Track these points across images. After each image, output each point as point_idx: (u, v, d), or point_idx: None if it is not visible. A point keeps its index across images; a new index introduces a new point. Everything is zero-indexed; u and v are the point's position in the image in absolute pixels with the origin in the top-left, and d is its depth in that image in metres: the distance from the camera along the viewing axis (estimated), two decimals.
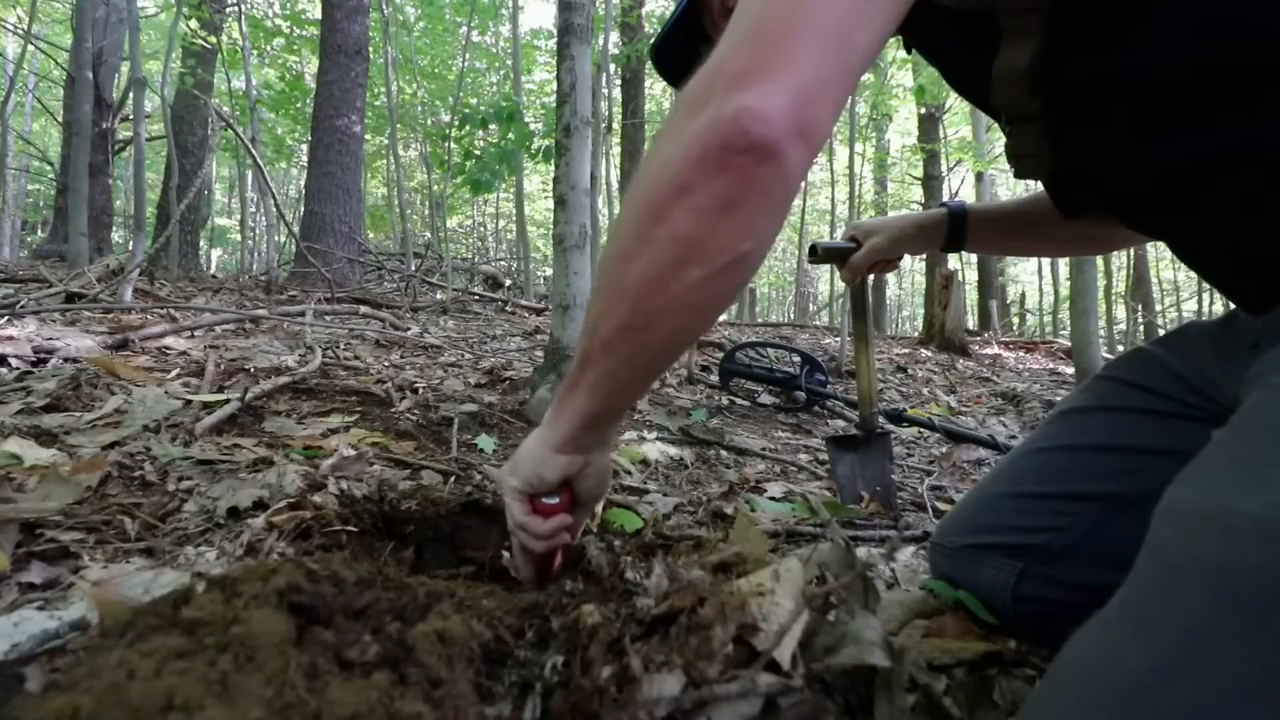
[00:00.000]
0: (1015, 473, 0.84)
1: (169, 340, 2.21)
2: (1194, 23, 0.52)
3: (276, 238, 8.25)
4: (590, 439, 0.66)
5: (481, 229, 16.62)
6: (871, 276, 1.26)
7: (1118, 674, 0.41)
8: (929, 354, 5.05)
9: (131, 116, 4.42)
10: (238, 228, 13.41)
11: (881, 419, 1.85)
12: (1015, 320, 12.20)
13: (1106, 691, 0.41)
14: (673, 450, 1.67)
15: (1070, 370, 4.38)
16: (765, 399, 2.65)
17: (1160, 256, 13.38)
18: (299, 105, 8.74)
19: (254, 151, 4.80)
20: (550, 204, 2.92)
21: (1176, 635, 0.40)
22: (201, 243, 9.01)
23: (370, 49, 6.55)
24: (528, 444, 0.68)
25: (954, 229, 1.02)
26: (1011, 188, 12.07)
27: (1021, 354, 5.81)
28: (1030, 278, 16.79)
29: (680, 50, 0.83)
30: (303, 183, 7.70)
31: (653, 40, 0.88)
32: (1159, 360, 0.77)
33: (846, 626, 0.49)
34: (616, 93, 8.61)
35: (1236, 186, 0.54)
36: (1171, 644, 0.40)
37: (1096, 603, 0.64)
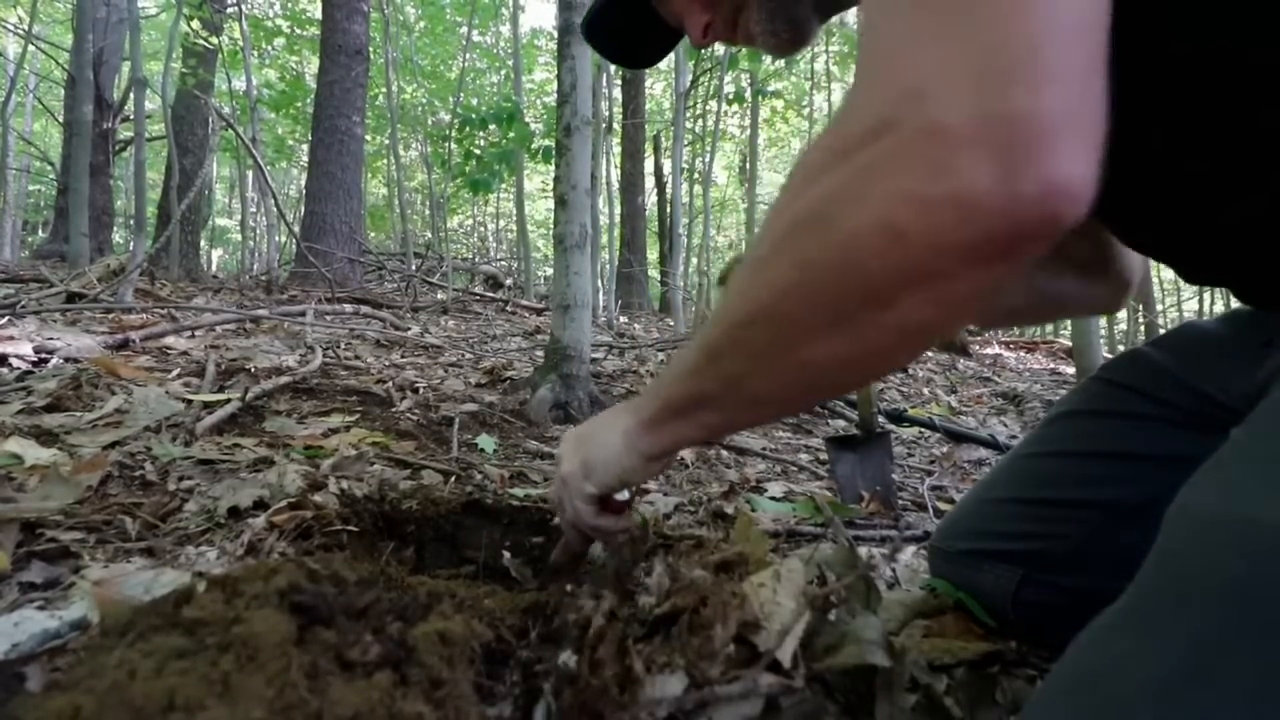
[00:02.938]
0: (1012, 478, 0.82)
1: (169, 340, 2.21)
2: None
3: (277, 238, 8.26)
4: None
5: (482, 229, 16.63)
6: None
7: (1123, 681, 0.40)
8: (929, 354, 5.05)
9: (132, 117, 4.42)
10: (238, 228, 13.42)
11: (881, 419, 1.85)
12: None
13: (1110, 698, 0.40)
14: None
15: (1071, 370, 4.38)
16: None
17: None
18: (299, 105, 8.75)
19: (254, 151, 4.80)
20: (550, 204, 2.91)
21: (1186, 647, 0.39)
22: (202, 243, 9.02)
23: (371, 49, 6.56)
24: (605, 447, 0.63)
25: None
26: None
27: (1022, 354, 5.82)
28: None
29: (619, 22, 0.78)
30: (303, 183, 7.71)
31: (586, 11, 0.81)
32: (1155, 363, 0.74)
33: (847, 626, 0.49)
34: (616, 93, 8.61)
35: None
36: (1181, 656, 0.39)
37: (1099, 608, 0.64)
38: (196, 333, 2.44)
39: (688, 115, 7.16)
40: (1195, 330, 0.75)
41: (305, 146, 8.90)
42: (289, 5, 10.46)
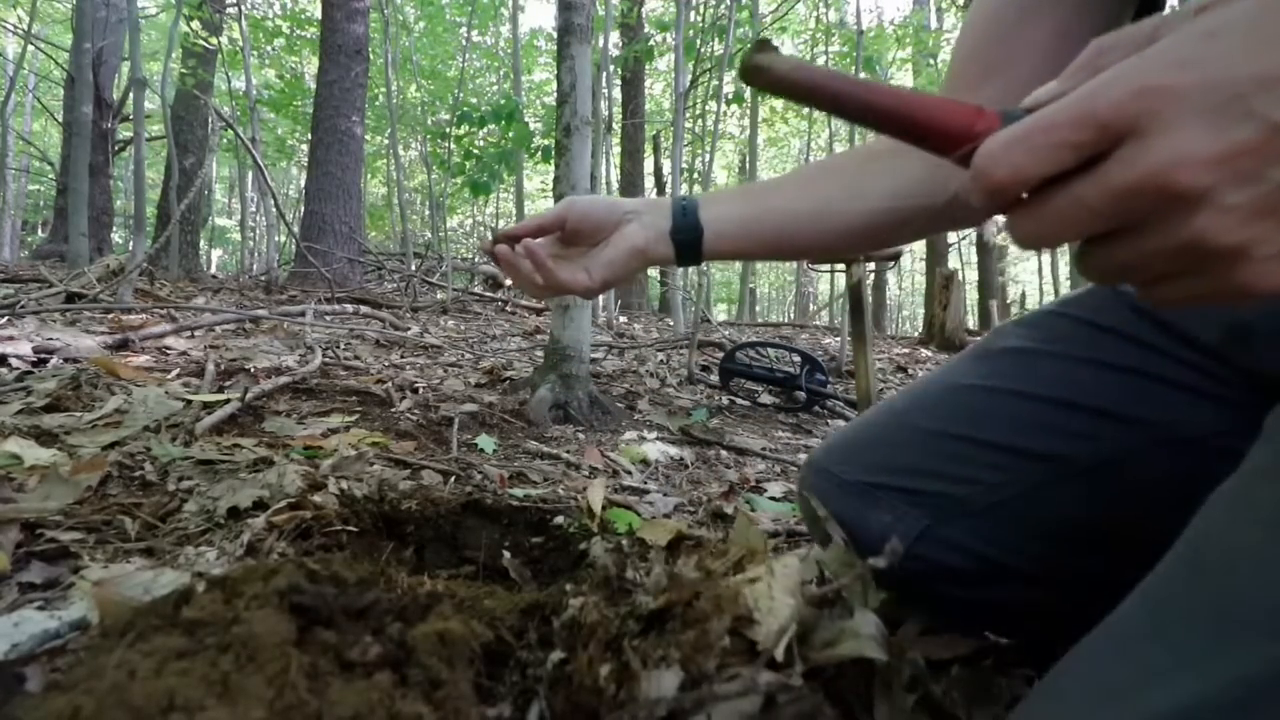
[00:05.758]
0: (939, 407, 0.67)
1: (169, 340, 2.21)
2: None
3: (276, 238, 8.25)
4: None
5: (482, 229, 16.63)
6: (871, 276, 1.26)
7: (1147, 704, 0.36)
8: (929, 354, 5.05)
9: (132, 117, 4.42)
10: (238, 228, 13.42)
11: None
12: None
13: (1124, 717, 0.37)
14: (673, 450, 1.67)
15: None
16: (765, 399, 2.65)
17: None
18: (299, 105, 8.76)
19: (254, 152, 4.80)
20: (550, 203, 2.91)
21: (1227, 680, 0.34)
22: (201, 243, 9.02)
23: (370, 49, 6.56)
24: None
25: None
26: None
27: None
28: (1030, 277, 16.82)
29: None
30: (303, 183, 7.71)
31: None
32: (1128, 302, 0.61)
33: (845, 622, 0.49)
34: (616, 93, 8.61)
35: None
36: (1221, 689, 0.34)
37: (991, 589, 0.60)
38: (196, 333, 2.44)
39: (687, 115, 7.16)
40: None
41: (305, 146, 8.90)
42: (289, 5, 10.46)
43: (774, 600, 0.45)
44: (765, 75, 0.39)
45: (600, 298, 6.53)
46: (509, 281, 0.68)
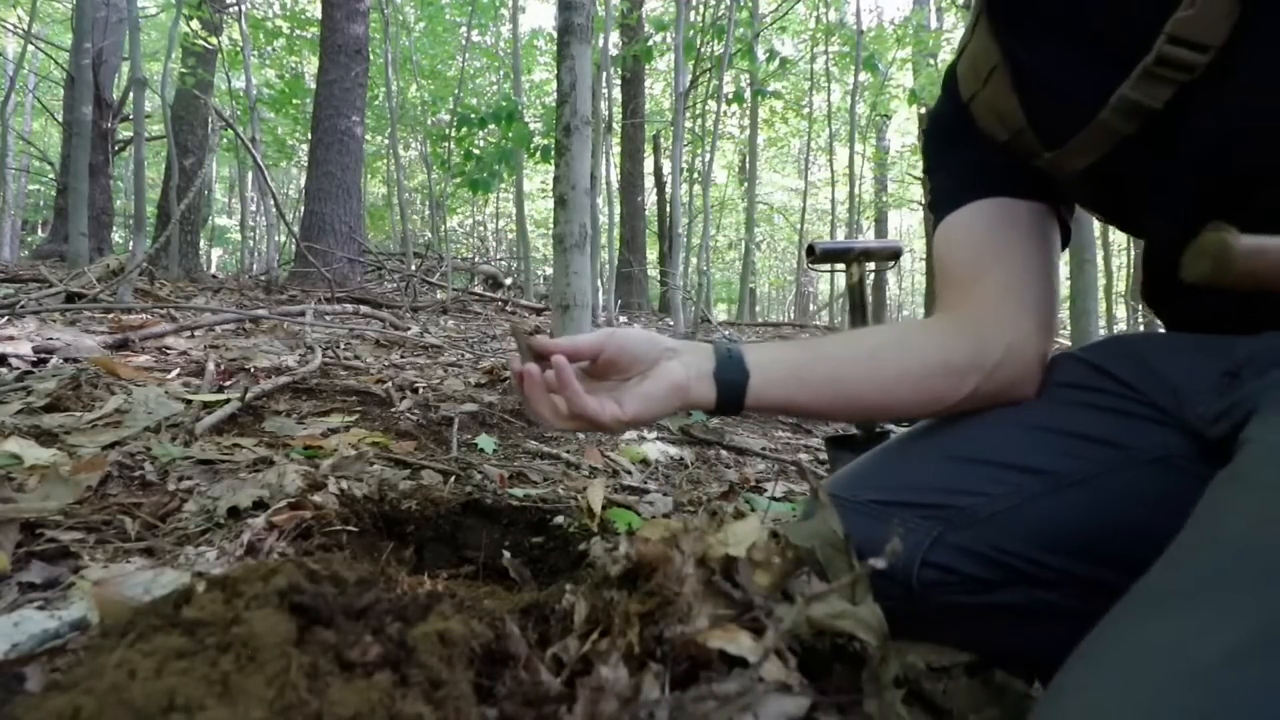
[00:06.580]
0: (936, 439, 0.73)
1: (169, 340, 2.21)
2: None
3: (276, 238, 8.26)
4: None
5: (481, 229, 16.63)
6: (871, 276, 1.26)
7: (1197, 656, 0.36)
8: None
9: (132, 116, 4.42)
10: (238, 228, 13.43)
11: None
12: None
13: (1181, 676, 0.36)
14: (673, 450, 1.67)
15: None
16: None
17: None
18: (299, 105, 8.76)
19: (254, 151, 4.80)
20: (550, 204, 2.92)
21: (1267, 619, 0.36)
22: (202, 243, 9.02)
23: (370, 49, 6.56)
24: None
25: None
26: None
27: None
28: None
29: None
30: (303, 183, 7.72)
31: None
32: (1089, 363, 0.70)
33: (850, 606, 0.49)
34: (616, 93, 8.62)
35: None
36: (1265, 627, 0.35)
37: (1008, 590, 0.63)
38: (196, 333, 2.44)
39: (687, 115, 7.17)
40: (1136, 340, 0.72)
41: (305, 146, 8.90)
42: (289, 5, 10.46)
43: (736, 531, 0.45)
44: (1251, 264, 0.23)
45: (600, 296, 6.52)
46: (527, 400, 0.66)
